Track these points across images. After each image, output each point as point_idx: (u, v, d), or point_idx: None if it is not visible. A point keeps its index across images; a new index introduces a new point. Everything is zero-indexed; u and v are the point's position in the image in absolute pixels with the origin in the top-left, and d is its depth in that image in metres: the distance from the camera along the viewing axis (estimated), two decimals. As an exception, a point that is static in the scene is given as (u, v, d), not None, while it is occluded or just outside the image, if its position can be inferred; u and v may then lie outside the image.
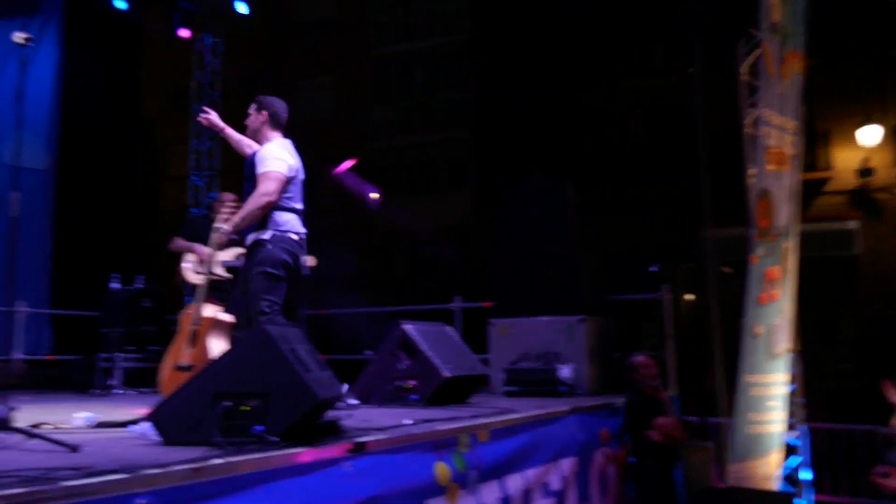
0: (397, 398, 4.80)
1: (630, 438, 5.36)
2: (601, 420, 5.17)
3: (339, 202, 18.16)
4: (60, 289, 9.06)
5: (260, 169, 4.00)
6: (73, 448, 2.56)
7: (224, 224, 4.42)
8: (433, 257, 16.74)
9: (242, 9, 9.52)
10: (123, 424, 3.14)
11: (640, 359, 5.47)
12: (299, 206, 4.15)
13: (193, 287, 5.77)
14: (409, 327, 4.92)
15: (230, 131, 4.52)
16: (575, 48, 15.55)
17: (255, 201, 3.92)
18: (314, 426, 2.99)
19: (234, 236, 4.36)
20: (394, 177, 18.49)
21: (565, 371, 5.75)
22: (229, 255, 5.34)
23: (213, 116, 4.49)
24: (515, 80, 15.74)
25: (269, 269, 3.92)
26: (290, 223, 4.06)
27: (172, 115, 15.40)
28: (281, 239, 3.98)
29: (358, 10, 19.05)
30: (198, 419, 2.76)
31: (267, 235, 3.96)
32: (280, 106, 4.26)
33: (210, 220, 6.16)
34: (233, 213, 4.67)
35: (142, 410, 3.62)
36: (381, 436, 3.09)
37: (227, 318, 4.20)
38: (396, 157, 18.62)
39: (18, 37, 3.09)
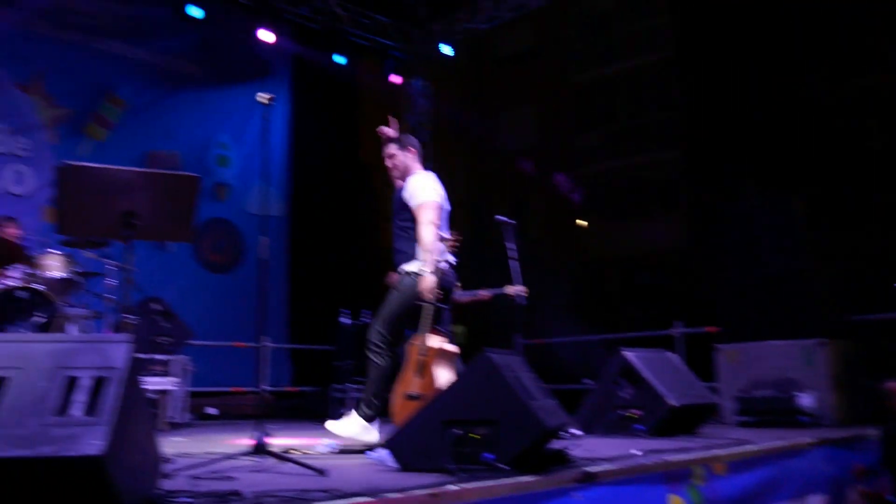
0: (621, 428, 4.65)
1: (890, 474, 4.78)
2: (853, 453, 4.66)
3: (547, 230, 18.22)
4: (298, 325, 9.87)
5: (416, 201, 4.14)
6: (321, 472, 2.74)
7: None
8: (648, 282, 16.21)
9: (447, 50, 9.93)
10: (362, 451, 3.31)
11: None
12: (446, 234, 4.25)
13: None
14: (630, 354, 4.77)
15: None
16: (796, 48, 14.47)
17: (426, 233, 4.03)
18: (542, 455, 2.96)
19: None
20: (602, 202, 18.24)
21: (806, 399, 5.28)
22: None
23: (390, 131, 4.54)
24: (728, 91, 14.94)
25: (414, 302, 4.07)
26: (440, 252, 4.17)
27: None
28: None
29: (556, 40, 19.17)
30: (430, 446, 2.84)
31: (417, 267, 4.07)
32: (417, 142, 4.51)
33: None
34: (450, 245, 4.83)
35: (373, 438, 3.82)
36: (610, 466, 2.99)
37: (452, 348, 4.31)
38: (603, 182, 18.37)
39: (262, 97, 3.41)
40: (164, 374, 6.47)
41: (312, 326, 9.32)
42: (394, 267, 4.22)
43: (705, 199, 14.78)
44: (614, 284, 18.13)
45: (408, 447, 2.92)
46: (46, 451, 1.76)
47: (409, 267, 4.09)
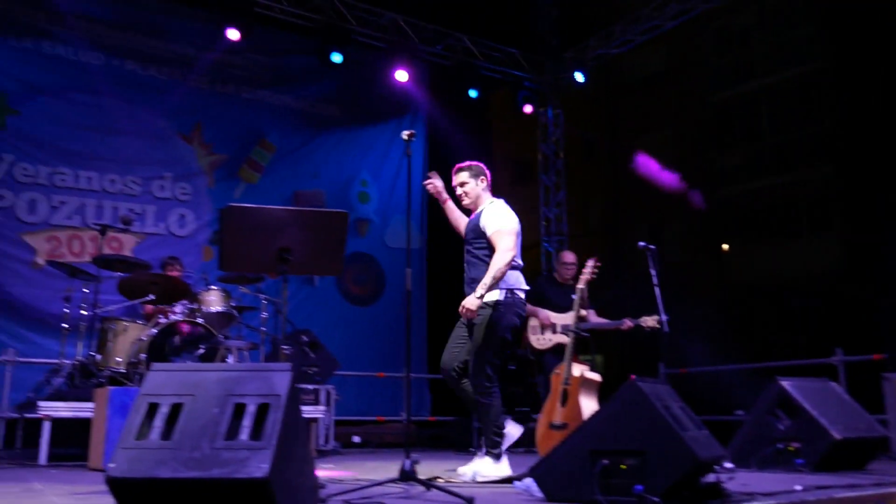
0: (779, 462, 4.39)
1: None
2: None
3: (687, 255, 17.59)
4: (436, 355, 10.00)
5: (493, 227, 4.11)
6: (469, 500, 2.76)
7: (582, 285, 4.54)
8: (801, 307, 15.28)
9: (579, 77, 9.90)
10: (509, 480, 3.31)
11: None
12: (521, 262, 4.20)
13: (541, 352, 5.98)
14: (788, 384, 4.50)
15: (451, 203, 4.53)
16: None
17: (502, 258, 3.97)
18: (696, 488, 2.85)
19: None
20: (745, 225, 17.44)
21: None
22: (569, 318, 5.42)
23: (439, 184, 4.45)
24: (888, 100, 13.93)
25: (500, 335, 4.03)
26: (519, 280, 4.14)
27: (520, 188, 16.40)
28: (512, 302, 4.07)
29: (692, 59, 18.65)
30: (577, 477, 2.80)
31: (501, 297, 4.04)
32: (488, 171, 4.43)
33: (553, 281, 6.40)
34: (590, 272, 4.78)
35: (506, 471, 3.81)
36: (770, 501, 2.84)
37: (595, 376, 4.25)
38: (746, 203, 17.56)
39: (405, 134, 3.61)
40: (313, 402, 6.73)
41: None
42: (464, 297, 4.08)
43: (863, 218, 13.83)
44: (764, 310, 17.21)
45: (553, 477, 2.89)
46: (217, 473, 1.88)
47: (488, 297, 4.01)
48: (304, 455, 2.22)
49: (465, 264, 4.24)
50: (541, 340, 5.89)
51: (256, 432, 1.97)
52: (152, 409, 2.05)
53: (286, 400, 2.04)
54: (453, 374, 4.18)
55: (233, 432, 1.98)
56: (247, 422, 1.99)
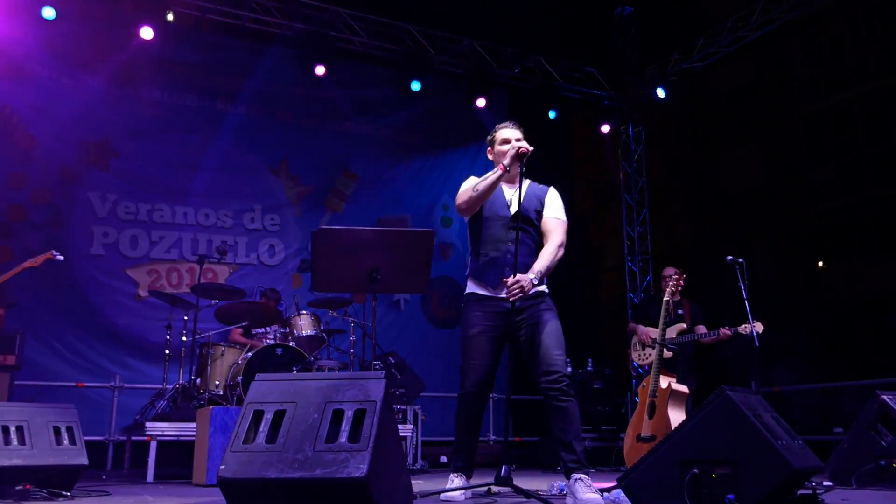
0: (882, 479, 4.22)
1: None
2: None
3: (779, 274, 17.02)
4: (517, 375, 10.00)
5: (561, 216, 3.73)
6: (558, 508, 2.80)
7: (667, 297, 4.52)
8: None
9: (661, 93, 9.81)
10: (600, 492, 3.31)
11: None
12: None
13: (644, 367, 6.02)
14: (889, 398, 4.34)
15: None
16: None
17: (561, 252, 3.65)
18: (791, 499, 2.80)
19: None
20: (841, 240, 16.77)
21: None
22: (672, 332, 5.44)
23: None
24: None
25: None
26: None
27: (603, 209, 16.28)
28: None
29: (780, 71, 18.17)
30: (666, 486, 2.79)
31: (546, 288, 3.70)
32: None
33: (657, 298, 6.38)
34: (674, 284, 4.75)
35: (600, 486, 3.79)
36: (872, 514, 2.76)
37: (682, 388, 4.21)
38: (842, 218, 16.89)
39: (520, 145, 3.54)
40: (400, 422, 6.86)
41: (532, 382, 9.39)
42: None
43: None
44: (861, 329, 16.46)
45: (643, 487, 2.88)
46: (320, 473, 2.00)
47: (541, 287, 3.64)
48: (398, 458, 2.32)
49: (504, 243, 3.62)
50: (642, 356, 5.96)
51: (354, 436, 2.08)
52: (258, 415, 2.19)
53: (381, 405, 2.14)
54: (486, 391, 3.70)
55: (332, 436, 2.09)
56: (345, 426, 2.11)
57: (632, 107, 10.39)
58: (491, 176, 3.52)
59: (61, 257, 5.40)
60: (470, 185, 3.62)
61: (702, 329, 5.76)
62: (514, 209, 3.59)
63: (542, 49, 9.77)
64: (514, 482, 3.19)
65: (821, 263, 17.45)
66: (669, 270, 6.25)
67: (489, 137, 3.85)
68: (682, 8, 16.32)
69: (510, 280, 3.39)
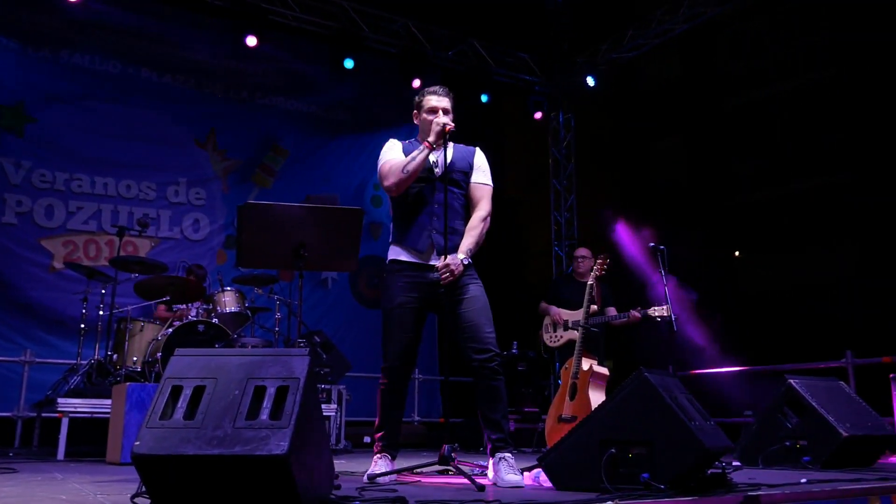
0: (786, 460, 4.42)
1: None
2: None
3: (701, 263, 17.59)
4: (447, 357, 10.08)
5: (488, 181, 3.71)
6: (481, 488, 2.83)
7: (591, 280, 4.61)
8: (814, 313, 15.25)
9: (590, 82, 9.96)
10: (521, 472, 3.36)
11: None
12: None
13: (553, 349, 6.08)
14: (796, 382, 4.54)
15: None
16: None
17: (487, 225, 3.67)
18: (702, 479, 2.91)
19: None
20: (758, 232, 17.41)
21: None
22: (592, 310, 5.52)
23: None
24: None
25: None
26: None
27: (532, 194, 16.45)
28: None
29: (706, 65, 18.66)
30: (585, 465, 2.86)
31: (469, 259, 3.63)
32: None
33: (569, 279, 6.49)
34: (598, 268, 4.84)
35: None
36: (774, 492, 2.88)
37: (604, 370, 4.30)
38: (759, 210, 17.55)
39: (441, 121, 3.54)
40: (325, 402, 6.82)
41: (462, 359, 9.48)
42: (440, 252, 3.46)
43: (881, 225, 13.79)
44: (776, 317, 17.20)
45: (562, 466, 2.95)
46: (239, 450, 1.97)
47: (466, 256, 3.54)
48: (320, 438, 2.30)
49: (430, 205, 3.54)
50: (553, 338, 5.99)
51: (276, 413, 2.05)
52: (176, 391, 2.14)
53: (304, 383, 2.12)
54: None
55: (253, 413, 2.06)
56: (267, 403, 2.08)
57: (562, 93, 10.53)
58: (419, 156, 3.49)
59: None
60: (396, 164, 3.54)
61: (612, 311, 5.84)
62: (439, 171, 3.55)
63: (476, 33, 9.78)
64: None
65: (737, 253, 18.09)
66: (582, 251, 6.37)
67: (416, 99, 3.78)
68: (614, -2, 16.54)
69: (440, 264, 3.39)
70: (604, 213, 10.73)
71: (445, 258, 3.40)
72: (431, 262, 3.51)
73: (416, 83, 9.33)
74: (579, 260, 6.31)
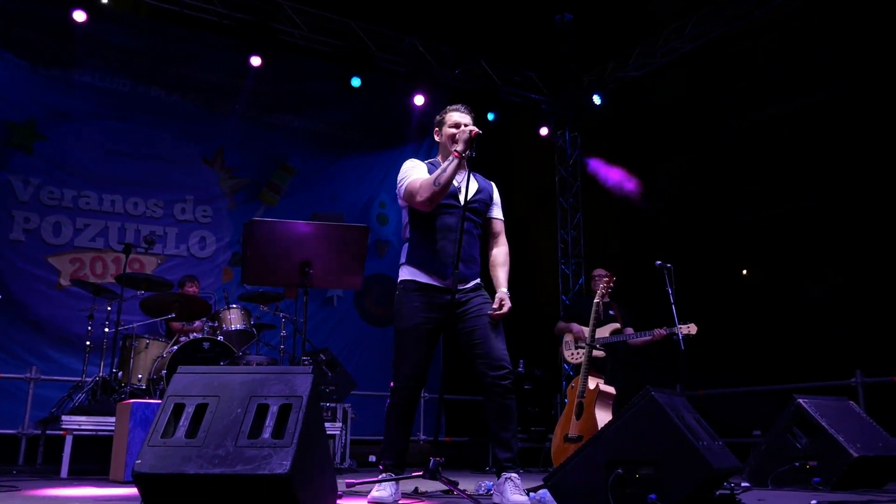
0: (796, 481, 4.37)
1: None
2: None
3: (707, 281, 17.49)
4: (452, 376, 10.03)
5: (502, 216, 3.80)
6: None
7: (597, 299, 4.58)
8: (821, 332, 15.13)
9: (597, 100, 9.98)
10: (527, 492, 3.32)
11: None
12: None
13: (575, 365, 6.08)
14: (806, 402, 4.49)
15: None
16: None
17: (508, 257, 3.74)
18: (710, 499, 2.87)
19: (612, 312, 4.42)
20: (765, 250, 17.34)
21: None
22: (605, 331, 5.51)
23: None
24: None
25: None
26: None
27: (539, 212, 16.44)
28: None
29: (713, 84, 18.69)
30: (592, 486, 2.83)
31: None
32: None
33: (587, 299, 6.47)
34: (604, 286, 4.81)
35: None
36: (786, 514, 2.84)
37: (609, 389, 4.27)
38: (767, 228, 17.48)
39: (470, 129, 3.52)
40: (330, 420, 6.78)
41: (467, 377, 9.42)
42: (459, 278, 3.46)
43: (882, 243, 13.72)
44: (784, 335, 17.07)
45: (568, 486, 2.91)
46: (241, 469, 1.94)
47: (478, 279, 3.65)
48: (323, 456, 2.28)
49: (454, 232, 3.50)
50: (574, 355, 6.00)
51: (278, 431, 2.03)
52: (178, 409, 2.12)
53: (307, 401, 2.10)
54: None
55: (255, 431, 2.04)
56: (269, 421, 2.06)
57: (569, 112, 10.55)
58: (449, 166, 3.45)
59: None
60: (426, 180, 3.51)
61: (630, 331, 5.84)
62: (462, 197, 3.51)
63: (483, 51, 9.83)
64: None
65: (745, 272, 18.01)
66: (600, 271, 6.35)
67: (438, 118, 3.80)
68: (621, 17, 16.62)
69: (503, 310, 3.47)
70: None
71: (501, 292, 3.52)
72: (446, 285, 3.49)
73: (420, 102, 9.36)
74: (596, 279, 6.30)
